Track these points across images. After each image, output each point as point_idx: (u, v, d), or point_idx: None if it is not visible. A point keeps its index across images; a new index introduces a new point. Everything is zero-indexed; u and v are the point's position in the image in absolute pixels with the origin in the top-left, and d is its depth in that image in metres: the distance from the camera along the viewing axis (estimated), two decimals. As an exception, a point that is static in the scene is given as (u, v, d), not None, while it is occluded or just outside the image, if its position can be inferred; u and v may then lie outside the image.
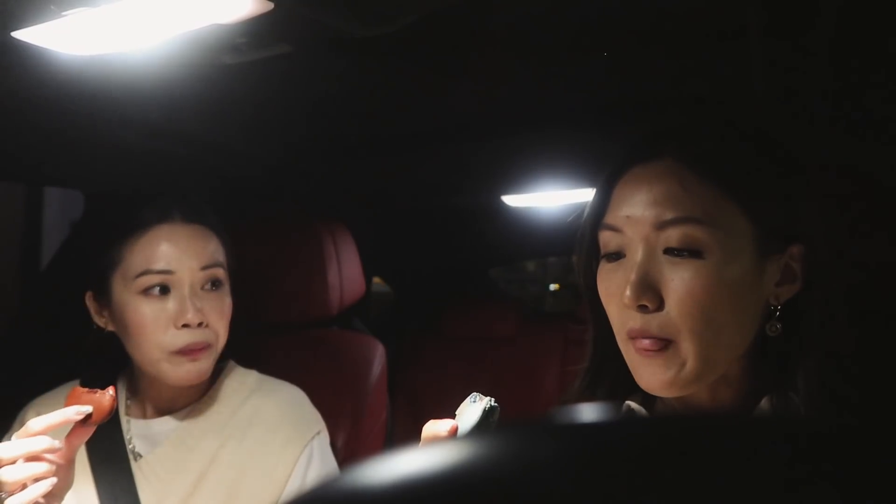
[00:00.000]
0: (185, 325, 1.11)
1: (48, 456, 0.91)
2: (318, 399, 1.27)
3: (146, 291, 1.11)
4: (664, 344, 0.72)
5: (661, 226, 0.72)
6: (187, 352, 1.12)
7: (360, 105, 1.35)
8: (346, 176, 1.88)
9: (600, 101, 1.33)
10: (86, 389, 0.96)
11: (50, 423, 0.92)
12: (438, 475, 0.24)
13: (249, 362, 1.29)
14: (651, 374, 0.73)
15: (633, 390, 0.81)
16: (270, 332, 1.54)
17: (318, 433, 1.22)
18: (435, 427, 0.77)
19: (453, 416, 0.79)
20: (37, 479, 0.90)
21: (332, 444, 1.27)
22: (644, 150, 0.76)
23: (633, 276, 0.72)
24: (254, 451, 1.17)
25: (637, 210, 0.73)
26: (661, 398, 0.81)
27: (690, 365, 0.71)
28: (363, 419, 1.47)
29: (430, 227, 2.54)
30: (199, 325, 1.12)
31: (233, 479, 1.16)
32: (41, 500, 0.92)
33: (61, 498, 0.96)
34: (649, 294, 0.71)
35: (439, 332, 2.47)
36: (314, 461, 1.19)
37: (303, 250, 1.54)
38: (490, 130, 1.48)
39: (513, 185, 2.04)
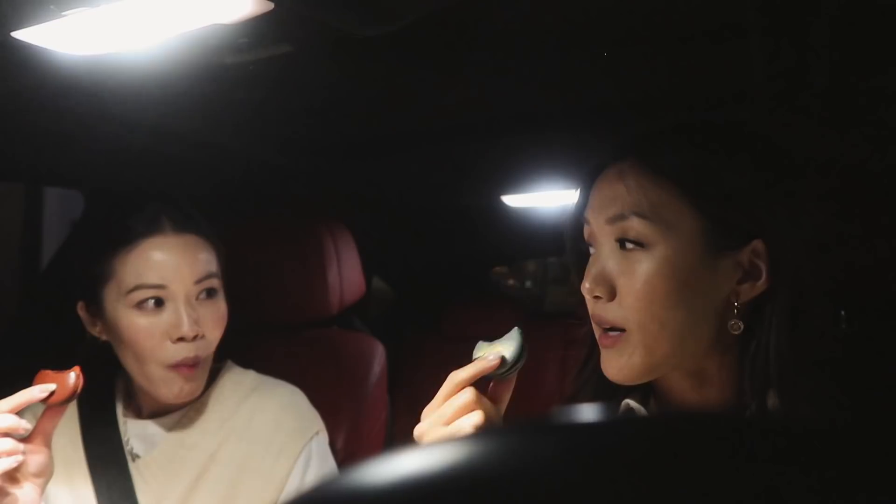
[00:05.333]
0: (180, 339, 1.10)
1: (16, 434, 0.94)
2: (318, 399, 1.26)
3: (140, 305, 1.10)
4: (619, 334, 0.76)
5: (611, 220, 0.77)
6: (181, 368, 1.11)
7: (361, 105, 1.35)
8: (346, 176, 1.88)
9: (601, 101, 1.33)
10: (52, 371, 0.98)
11: (16, 403, 0.94)
12: (438, 475, 0.24)
13: (249, 362, 1.29)
14: (607, 362, 0.78)
15: (632, 388, 0.82)
16: (270, 332, 1.54)
17: (317, 433, 1.22)
18: (478, 363, 0.78)
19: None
20: (9, 455, 0.92)
21: (332, 445, 1.27)
22: (612, 153, 0.80)
23: (593, 269, 0.78)
24: (252, 451, 1.17)
25: (598, 206, 0.79)
26: (655, 397, 0.83)
27: (636, 355, 0.75)
28: (363, 419, 1.47)
29: (430, 227, 2.54)
30: (195, 337, 1.11)
31: (231, 479, 1.15)
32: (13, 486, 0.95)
33: (40, 484, 0.97)
34: (602, 286, 0.76)
35: (439, 332, 2.46)
36: (313, 461, 1.19)
37: (303, 250, 1.54)
38: (490, 130, 1.48)
39: (513, 185, 2.04)
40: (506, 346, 0.78)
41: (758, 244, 0.74)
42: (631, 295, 0.75)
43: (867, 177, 1.04)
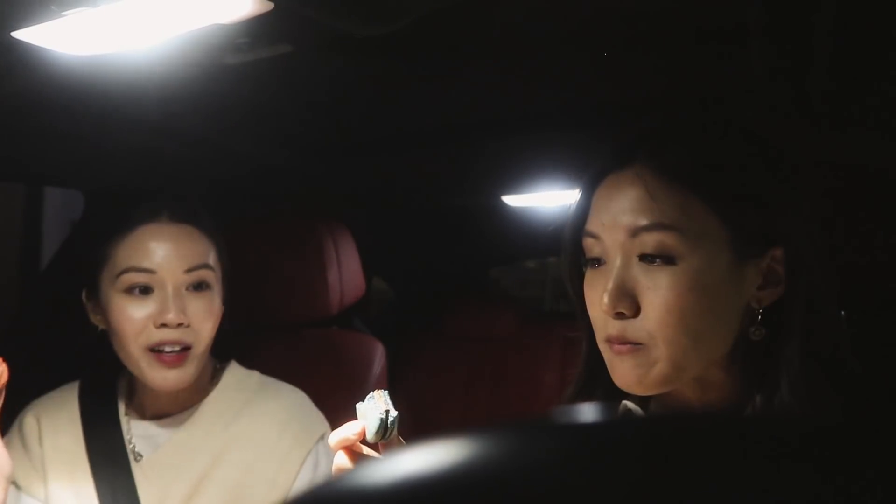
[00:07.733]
0: (163, 325, 1.10)
1: None
2: (318, 399, 1.26)
3: (129, 290, 1.11)
4: (638, 346, 0.72)
5: (634, 233, 0.72)
6: (166, 359, 1.10)
7: (360, 105, 1.35)
8: (346, 176, 1.88)
9: (601, 100, 1.33)
10: None
11: None
12: (438, 475, 0.24)
13: (249, 362, 1.29)
14: (623, 372, 0.74)
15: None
16: (271, 332, 1.54)
17: (323, 436, 1.21)
18: (343, 431, 0.76)
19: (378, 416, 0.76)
20: None
21: (332, 444, 1.27)
22: (617, 158, 0.76)
23: (610, 284, 0.73)
24: (257, 454, 1.17)
25: (612, 218, 0.74)
26: (654, 399, 0.81)
27: (660, 367, 0.72)
28: (363, 419, 1.47)
29: (429, 227, 2.54)
30: (179, 325, 1.11)
31: (235, 481, 1.15)
32: None
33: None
34: (626, 301, 0.72)
35: (439, 332, 2.46)
36: (321, 464, 1.18)
37: (303, 250, 1.54)
38: (490, 130, 1.48)
39: (513, 185, 2.04)
40: (369, 418, 0.74)
41: (778, 250, 0.72)
42: (660, 309, 0.71)
43: (868, 177, 1.04)
